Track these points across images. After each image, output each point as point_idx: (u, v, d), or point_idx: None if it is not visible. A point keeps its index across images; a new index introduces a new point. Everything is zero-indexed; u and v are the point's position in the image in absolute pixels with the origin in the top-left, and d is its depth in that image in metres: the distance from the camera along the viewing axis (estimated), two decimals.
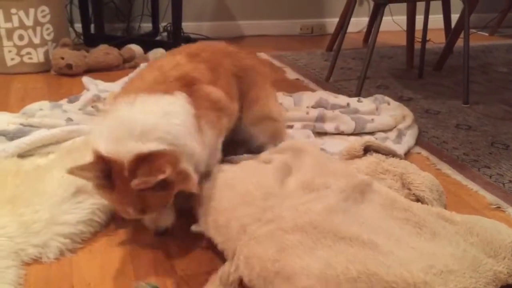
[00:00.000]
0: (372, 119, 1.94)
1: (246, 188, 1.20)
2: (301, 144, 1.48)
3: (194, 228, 1.22)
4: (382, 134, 1.89)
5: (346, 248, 1.01)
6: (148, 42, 3.00)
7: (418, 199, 1.30)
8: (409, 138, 1.87)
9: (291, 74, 2.76)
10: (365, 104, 2.12)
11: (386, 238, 1.05)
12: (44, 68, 2.63)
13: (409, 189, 1.32)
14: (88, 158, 1.09)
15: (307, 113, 1.98)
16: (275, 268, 0.98)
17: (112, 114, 1.12)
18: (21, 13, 2.48)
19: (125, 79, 2.26)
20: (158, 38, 3.41)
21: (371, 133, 1.90)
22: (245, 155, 1.52)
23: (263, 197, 1.17)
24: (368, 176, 1.30)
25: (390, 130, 1.92)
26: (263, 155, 1.44)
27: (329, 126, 1.91)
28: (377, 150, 1.45)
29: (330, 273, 0.94)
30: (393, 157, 1.43)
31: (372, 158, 1.43)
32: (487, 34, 4.05)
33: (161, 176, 0.99)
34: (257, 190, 1.19)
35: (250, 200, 1.16)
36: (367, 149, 1.47)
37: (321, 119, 1.94)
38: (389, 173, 1.36)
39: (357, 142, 1.51)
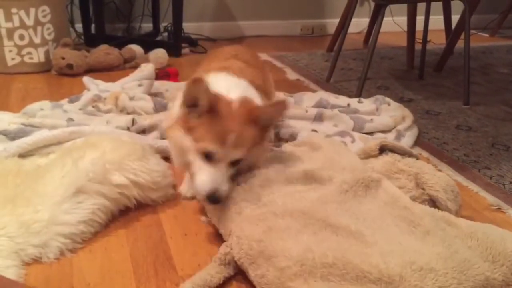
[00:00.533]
0: (371, 119, 1.94)
1: (248, 179, 1.26)
2: (319, 140, 1.52)
3: (203, 219, 1.30)
4: (380, 135, 1.89)
5: (330, 236, 1.05)
6: (149, 42, 3.00)
7: (432, 199, 1.30)
8: (408, 139, 1.87)
9: (291, 75, 2.76)
10: (365, 104, 2.12)
11: (376, 231, 1.07)
12: (45, 68, 2.63)
13: (423, 189, 1.31)
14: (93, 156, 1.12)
15: (306, 111, 1.98)
16: (259, 248, 1.05)
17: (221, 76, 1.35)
18: (22, 13, 2.48)
19: (126, 79, 2.26)
20: (158, 38, 3.41)
21: (370, 133, 1.90)
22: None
23: (261, 184, 1.23)
24: (379, 174, 1.30)
25: (389, 131, 1.92)
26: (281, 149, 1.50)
27: (327, 125, 1.91)
28: (393, 150, 1.46)
29: (308, 256, 0.99)
30: (409, 157, 1.43)
31: (388, 157, 1.43)
32: (487, 35, 4.05)
33: (286, 110, 1.22)
34: (257, 179, 1.25)
35: (248, 188, 1.22)
36: (383, 149, 1.47)
37: (319, 118, 1.94)
38: (404, 173, 1.36)
39: (372, 141, 1.52)
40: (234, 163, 1.20)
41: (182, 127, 1.21)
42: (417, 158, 1.44)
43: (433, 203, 1.30)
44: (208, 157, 1.17)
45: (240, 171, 1.25)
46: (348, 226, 1.07)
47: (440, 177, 1.33)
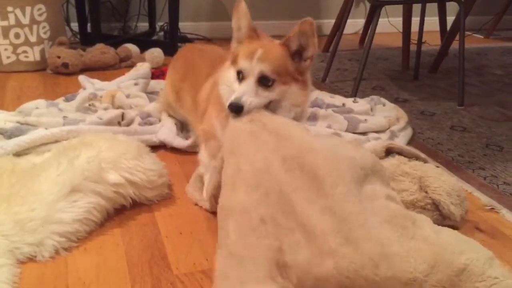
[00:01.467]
0: (365, 119, 1.95)
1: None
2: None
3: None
4: (374, 135, 1.90)
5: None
6: (145, 42, 3.00)
7: (434, 202, 1.30)
8: (401, 140, 1.88)
9: None
10: (360, 104, 2.13)
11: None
12: (40, 66, 2.62)
13: (426, 192, 1.32)
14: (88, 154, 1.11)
15: None
16: (233, 144, 1.14)
17: None
18: (18, 11, 2.47)
19: (122, 78, 2.26)
20: (154, 37, 3.40)
21: (364, 133, 1.91)
22: None
23: (282, 121, 1.24)
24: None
25: (383, 131, 1.93)
26: None
27: (321, 125, 1.91)
28: (400, 153, 1.45)
29: (265, 175, 1.05)
30: (416, 159, 1.43)
31: (394, 160, 1.42)
32: (482, 37, 4.07)
33: (311, 27, 1.21)
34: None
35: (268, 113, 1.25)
36: (390, 151, 1.47)
37: (313, 117, 1.95)
38: (408, 176, 1.36)
39: (379, 143, 1.51)
40: (263, 82, 1.22)
41: (229, 61, 1.31)
42: (425, 161, 1.44)
43: (436, 206, 1.30)
44: (241, 77, 1.24)
45: (277, 105, 1.26)
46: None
47: (444, 181, 1.33)
